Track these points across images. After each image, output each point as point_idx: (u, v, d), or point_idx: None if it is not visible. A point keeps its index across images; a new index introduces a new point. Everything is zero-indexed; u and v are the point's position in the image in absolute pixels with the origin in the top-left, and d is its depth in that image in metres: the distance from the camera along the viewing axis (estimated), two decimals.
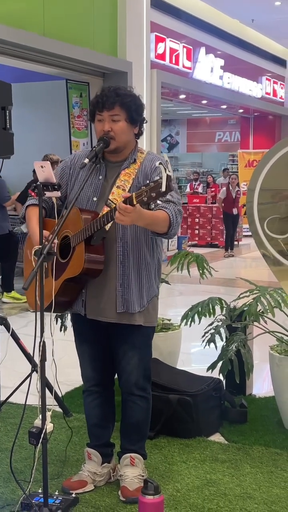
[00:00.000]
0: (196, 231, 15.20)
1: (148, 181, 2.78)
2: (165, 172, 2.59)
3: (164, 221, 2.94)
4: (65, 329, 4.35)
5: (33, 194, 3.10)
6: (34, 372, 3.92)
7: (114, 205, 2.83)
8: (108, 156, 3.14)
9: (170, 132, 26.93)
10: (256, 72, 17.44)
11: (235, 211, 13.54)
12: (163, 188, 2.60)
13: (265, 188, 3.77)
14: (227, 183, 14.04)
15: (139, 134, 3.19)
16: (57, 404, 4.17)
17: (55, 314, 3.63)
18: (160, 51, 12.47)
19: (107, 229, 3.00)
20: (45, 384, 2.88)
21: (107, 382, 3.37)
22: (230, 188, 13.48)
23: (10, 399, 4.34)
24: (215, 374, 4.05)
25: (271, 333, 4.12)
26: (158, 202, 2.98)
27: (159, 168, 2.69)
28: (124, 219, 2.76)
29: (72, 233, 3.02)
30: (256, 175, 3.85)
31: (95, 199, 3.11)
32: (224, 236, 14.01)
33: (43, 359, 2.79)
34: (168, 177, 2.59)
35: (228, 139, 26.08)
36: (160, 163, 2.66)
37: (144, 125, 3.19)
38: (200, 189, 18.65)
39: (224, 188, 13.70)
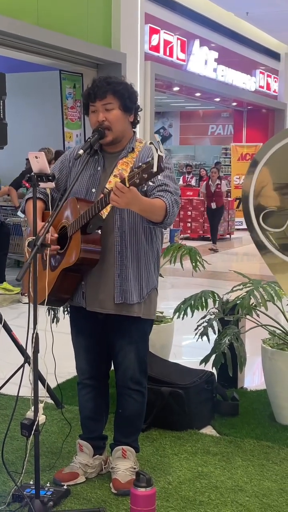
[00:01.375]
0: (189, 224, 15.17)
1: (140, 163, 2.77)
2: (157, 152, 2.57)
3: (160, 209, 2.93)
4: (57, 321, 4.34)
5: (27, 185, 3.08)
6: (26, 363, 3.92)
7: (108, 191, 2.81)
8: (106, 147, 3.12)
9: (163, 124, 26.88)
10: (250, 65, 17.41)
11: (213, 205, 13.22)
12: (155, 169, 2.58)
13: (262, 180, 3.76)
14: (207, 176, 13.86)
15: (135, 123, 3.16)
16: (48, 396, 4.17)
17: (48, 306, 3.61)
18: (154, 43, 12.43)
19: (103, 217, 2.97)
20: (38, 376, 2.86)
21: (102, 376, 3.36)
22: (210, 182, 13.24)
23: (1, 391, 4.33)
24: (207, 367, 4.05)
25: (263, 326, 4.12)
26: (156, 192, 2.97)
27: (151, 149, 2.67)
28: (118, 200, 2.73)
29: (69, 223, 3.01)
30: (253, 167, 3.83)
31: (93, 190, 3.10)
32: (210, 231, 13.80)
33: (36, 350, 2.78)
34: (160, 157, 2.57)
35: (221, 132, 26.06)
36: (151, 143, 2.64)
37: (139, 113, 3.17)
38: (193, 182, 18.62)
39: (205, 182, 13.50)
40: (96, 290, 3.10)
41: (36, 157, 2.75)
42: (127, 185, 2.68)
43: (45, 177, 2.79)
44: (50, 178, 2.80)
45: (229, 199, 15.90)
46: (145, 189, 2.95)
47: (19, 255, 9.30)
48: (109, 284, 3.07)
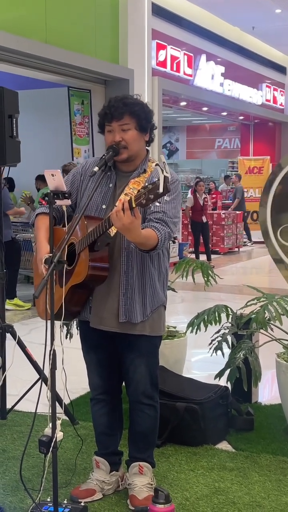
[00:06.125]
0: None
1: (146, 183, 2.78)
2: (162, 173, 2.59)
3: (151, 243, 2.94)
4: (71, 336, 4.35)
5: (43, 202, 3.09)
6: (40, 379, 3.91)
7: None
8: (119, 165, 3.14)
9: (170, 138, 26.99)
10: (256, 79, 17.48)
11: (204, 218, 13.01)
12: (161, 190, 2.60)
13: (280, 194, 3.77)
14: (193, 190, 13.58)
15: (149, 141, 3.18)
16: (62, 412, 4.17)
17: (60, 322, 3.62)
18: (161, 58, 12.50)
19: (111, 234, 2.98)
20: (56, 392, 2.86)
21: (114, 390, 3.36)
22: (197, 195, 13.05)
23: (15, 407, 4.34)
24: (221, 381, 4.04)
25: (278, 340, 4.11)
26: (152, 218, 2.98)
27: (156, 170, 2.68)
28: (116, 221, 2.74)
29: (77, 240, 3.03)
30: (271, 181, 3.85)
31: (104, 206, 3.11)
32: (194, 245, 13.29)
33: (53, 367, 2.78)
34: (166, 178, 2.59)
35: (227, 146, 26.15)
36: (157, 165, 2.65)
37: (156, 131, 3.19)
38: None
39: (191, 196, 13.25)
40: (101, 307, 3.11)
41: (53, 175, 2.76)
42: (134, 205, 2.69)
43: (61, 195, 2.80)
44: (67, 195, 2.82)
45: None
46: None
47: (29, 271, 9.32)
48: (114, 303, 3.08)
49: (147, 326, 3.14)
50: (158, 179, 2.60)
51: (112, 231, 2.97)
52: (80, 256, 3.00)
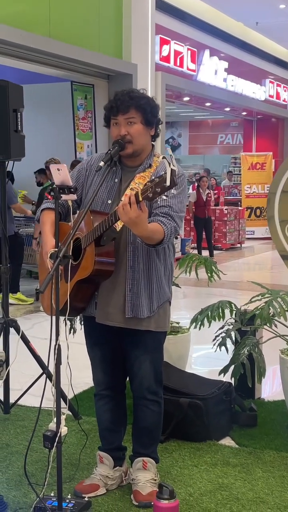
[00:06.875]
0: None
1: (153, 177, 2.76)
2: (169, 166, 2.57)
3: (157, 238, 2.93)
4: (75, 331, 4.34)
5: (49, 197, 3.08)
6: (44, 374, 3.92)
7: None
8: (124, 160, 3.12)
9: (172, 134, 26.93)
10: (259, 75, 17.46)
11: (206, 214, 13.04)
12: (168, 183, 2.58)
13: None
14: (196, 186, 13.56)
15: (155, 136, 3.17)
16: (66, 407, 4.16)
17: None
18: (164, 53, 12.48)
19: (117, 229, 2.97)
20: (60, 387, 2.86)
21: (118, 386, 3.35)
22: (201, 191, 13.01)
23: (18, 402, 4.34)
24: (224, 377, 4.04)
25: (282, 337, 4.11)
26: (158, 212, 2.97)
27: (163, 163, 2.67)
28: (123, 214, 2.73)
29: (83, 234, 3.01)
30: (278, 177, 3.83)
31: (109, 201, 3.10)
32: (196, 241, 13.32)
33: (58, 362, 2.77)
34: (173, 171, 2.57)
35: (230, 142, 26.09)
36: (163, 157, 2.64)
37: (160, 126, 3.18)
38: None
39: (194, 192, 13.20)
40: (107, 303, 3.10)
41: (58, 169, 2.74)
42: (140, 198, 2.68)
43: (67, 189, 2.79)
44: (72, 190, 2.80)
45: (239, 208, 15.90)
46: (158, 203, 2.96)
47: (32, 266, 9.33)
48: (120, 298, 3.07)
49: (153, 322, 3.13)
50: (165, 172, 2.58)
51: (118, 225, 2.96)
52: (86, 251, 2.99)
